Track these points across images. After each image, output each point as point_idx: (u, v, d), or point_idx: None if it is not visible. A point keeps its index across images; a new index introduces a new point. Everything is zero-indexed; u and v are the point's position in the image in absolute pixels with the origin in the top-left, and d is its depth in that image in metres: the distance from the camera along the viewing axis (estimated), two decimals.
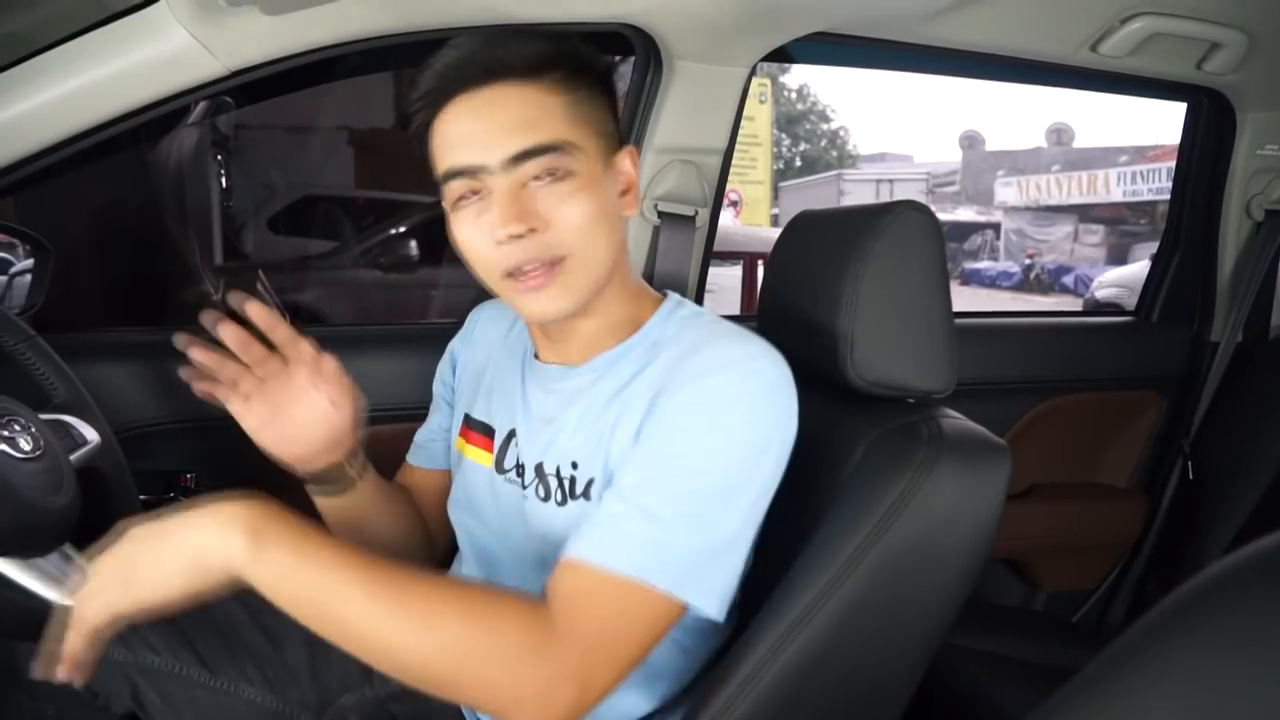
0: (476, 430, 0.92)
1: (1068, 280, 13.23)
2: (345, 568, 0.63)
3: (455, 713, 0.92)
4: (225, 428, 1.32)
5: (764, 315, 1.03)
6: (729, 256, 4.95)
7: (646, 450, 0.71)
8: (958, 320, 0.90)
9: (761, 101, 10.32)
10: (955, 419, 0.84)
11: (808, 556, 0.77)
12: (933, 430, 0.79)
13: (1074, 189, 18.32)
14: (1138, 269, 8.64)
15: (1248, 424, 1.61)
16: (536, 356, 0.88)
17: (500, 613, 0.65)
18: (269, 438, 0.86)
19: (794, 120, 31.34)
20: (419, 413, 1.09)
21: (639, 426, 0.74)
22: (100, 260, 2.19)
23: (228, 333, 0.81)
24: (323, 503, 0.93)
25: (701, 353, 0.74)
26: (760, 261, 4.21)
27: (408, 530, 1.00)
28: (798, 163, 31.22)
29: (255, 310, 0.81)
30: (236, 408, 0.85)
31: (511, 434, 0.87)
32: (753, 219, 10.17)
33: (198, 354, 0.81)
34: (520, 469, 0.85)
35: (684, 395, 0.72)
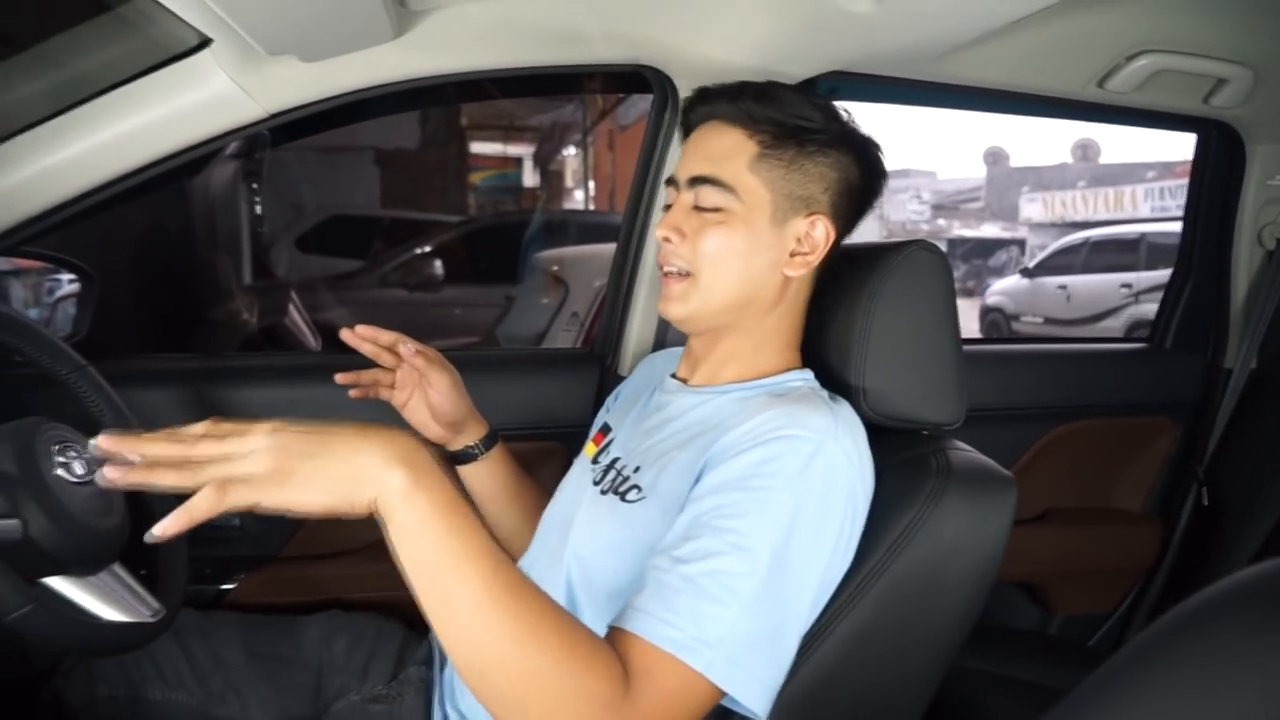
0: (602, 431, 1.01)
1: None
2: (478, 551, 0.62)
3: (426, 713, 0.95)
4: None
5: None
6: None
7: (702, 516, 0.73)
8: (970, 347, 0.93)
9: None
10: (964, 451, 0.87)
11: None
12: (941, 462, 0.82)
13: (1100, 205, 18.17)
14: (1013, 280, 10.20)
15: (1262, 450, 1.62)
16: (675, 375, 0.97)
17: (593, 659, 0.64)
18: (418, 420, 1.03)
19: None
20: (529, 431, 1.21)
21: (699, 472, 0.78)
22: (135, 283, 2.26)
23: (364, 346, 1.00)
24: (461, 472, 1.08)
25: (770, 415, 0.77)
26: None
27: (533, 515, 1.06)
28: None
29: (362, 330, 0.99)
30: (386, 396, 1.03)
31: (615, 437, 0.96)
32: None
33: (346, 378, 1.01)
34: (608, 464, 0.92)
35: (741, 461, 0.74)
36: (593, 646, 0.65)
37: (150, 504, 1.09)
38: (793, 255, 0.87)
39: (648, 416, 0.94)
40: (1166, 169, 17.09)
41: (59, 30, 1.30)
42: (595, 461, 0.95)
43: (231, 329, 2.61)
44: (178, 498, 1.18)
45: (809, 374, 0.90)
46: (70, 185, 1.19)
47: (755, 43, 1.19)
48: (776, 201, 0.86)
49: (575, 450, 1.05)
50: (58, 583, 0.87)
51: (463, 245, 5.81)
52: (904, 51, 1.26)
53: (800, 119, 0.86)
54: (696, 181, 0.87)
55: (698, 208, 0.87)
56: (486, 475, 1.08)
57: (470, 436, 1.07)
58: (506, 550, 1.06)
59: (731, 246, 0.85)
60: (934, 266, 0.90)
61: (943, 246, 0.94)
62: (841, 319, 0.91)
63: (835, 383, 0.90)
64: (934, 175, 28.05)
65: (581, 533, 0.87)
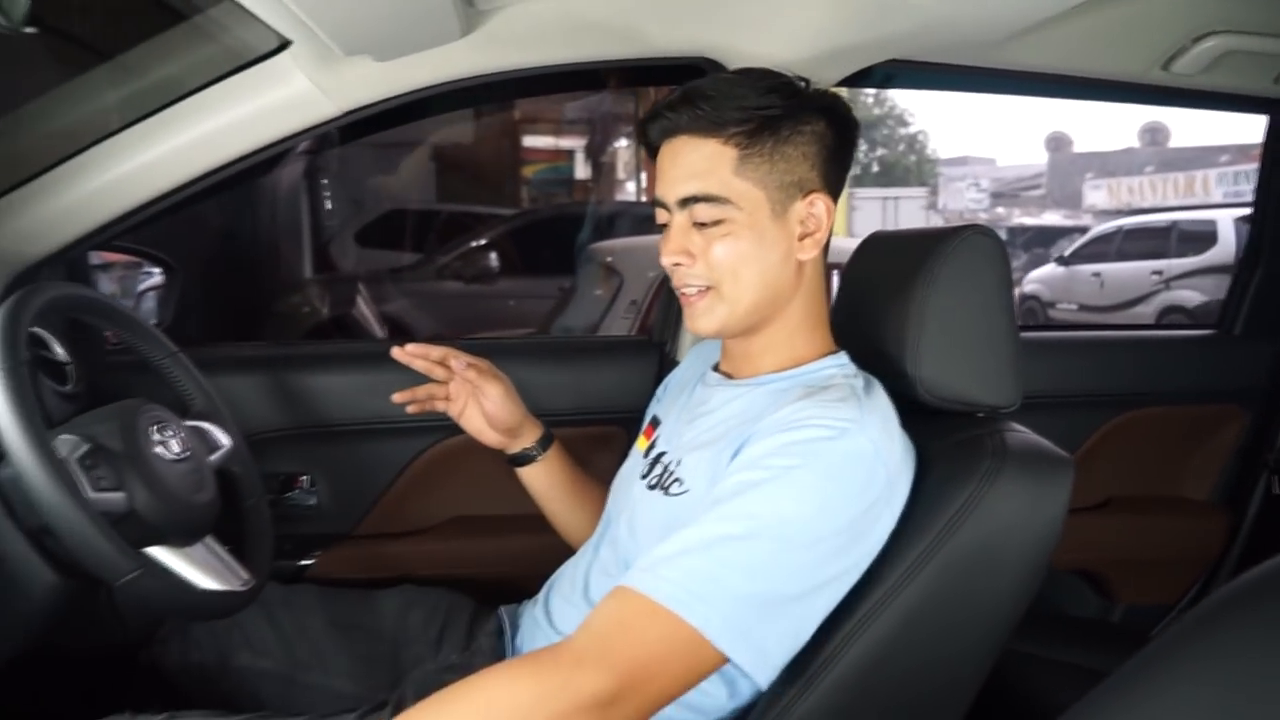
0: (652, 424, 1.04)
1: None
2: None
3: None
4: (335, 434, 1.45)
5: (836, 329, 1.08)
6: None
7: (718, 492, 0.77)
8: (1034, 335, 0.94)
9: None
10: (1020, 432, 0.88)
11: (874, 558, 0.81)
12: (997, 443, 0.83)
13: (1170, 191, 17.55)
14: (1049, 269, 10.37)
15: None
16: (716, 367, 0.99)
17: (499, 688, 0.67)
18: (474, 427, 1.10)
19: (870, 126, 30.77)
20: (584, 417, 1.24)
21: (729, 462, 0.80)
22: (213, 276, 2.37)
23: (416, 363, 1.07)
24: (520, 474, 1.15)
25: (805, 403, 0.79)
26: (836, 271, 4.21)
27: (592, 508, 1.11)
28: (875, 169, 30.70)
29: (412, 348, 1.07)
30: (442, 408, 1.10)
31: (663, 429, 0.99)
32: None
33: (402, 396, 1.08)
34: (655, 458, 0.94)
35: (764, 444, 0.77)
36: (496, 680, 0.68)
37: (238, 486, 1.16)
38: (801, 239, 0.89)
39: (692, 409, 0.96)
40: (1242, 152, 16.42)
41: (145, 39, 1.39)
42: (646, 456, 0.98)
43: (297, 320, 2.71)
44: (266, 477, 1.25)
45: (844, 358, 0.92)
46: (159, 182, 1.26)
47: (812, 33, 1.21)
48: (771, 196, 0.86)
49: (634, 435, 1.08)
50: (158, 552, 0.94)
51: (518, 238, 5.89)
52: (961, 38, 1.26)
53: (764, 109, 0.85)
54: (688, 202, 0.86)
55: (697, 224, 0.87)
56: (544, 475, 1.13)
57: (527, 439, 1.12)
58: (569, 543, 1.11)
59: (743, 253, 0.86)
60: (989, 250, 0.91)
61: (1002, 235, 0.94)
62: (896, 303, 0.92)
63: (888, 366, 0.92)
64: (993, 162, 27.44)
65: (622, 528, 0.91)
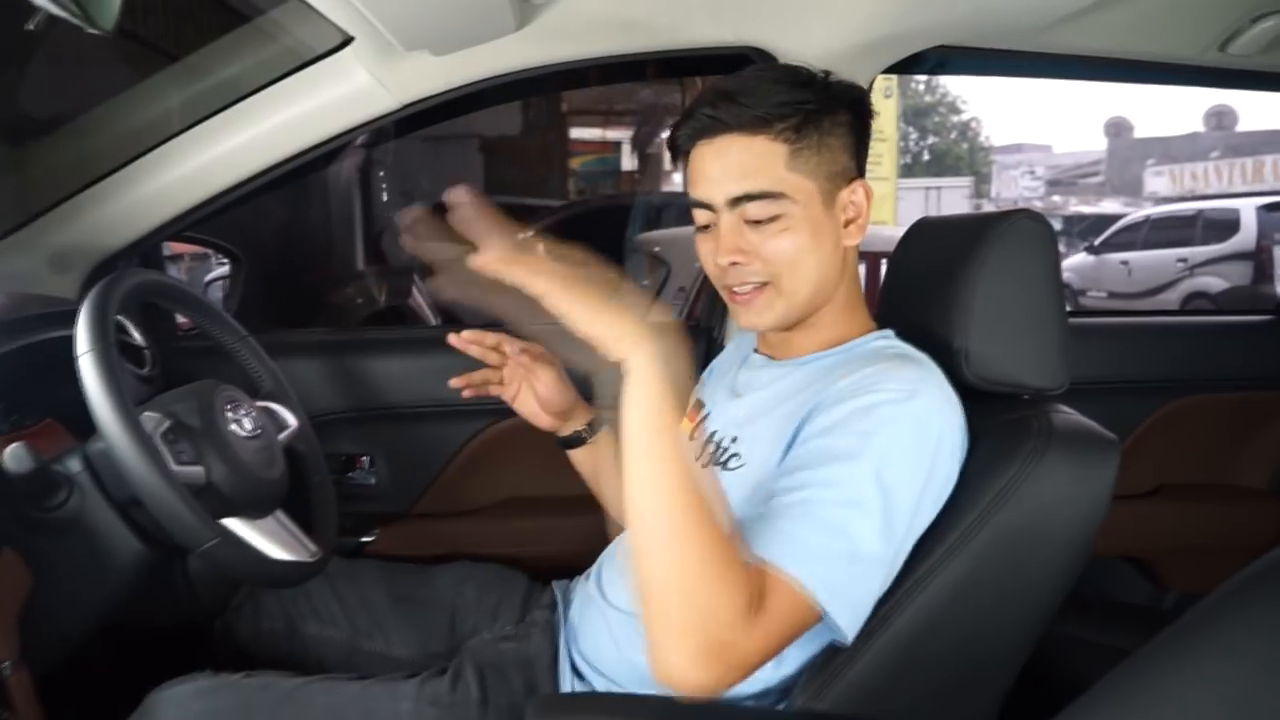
0: (695, 408, 1.06)
1: None
2: (678, 446, 0.72)
3: (552, 653, 1.03)
4: (394, 417, 1.50)
5: (883, 316, 1.10)
6: None
7: (798, 460, 0.79)
8: (1085, 320, 0.94)
9: (886, 96, 10.12)
10: (1066, 413, 0.88)
11: (922, 533, 0.83)
12: (1043, 424, 0.84)
13: (1236, 177, 16.95)
14: (1080, 257, 10.51)
15: None
16: (757, 350, 1.01)
17: (742, 568, 0.71)
18: (528, 410, 1.13)
19: (921, 113, 30.28)
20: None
21: (794, 432, 0.83)
22: (275, 267, 2.45)
23: (471, 349, 1.10)
24: (571, 455, 1.18)
25: (868, 371, 0.82)
26: (884, 260, 4.18)
27: None
28: (925, 157, 30.17)
29: (467, 335, 1.10)
30: (496, 392, 1.12)
31: (710, 413, 1.00)
32: (877, 217, 10.00)
33: (459, 381, 1.11)
34: (703, 440, 0.97)
35: (835, 411, 0.80)
36: (741, 556, 0.72)
37: (304, 464, 1.21)
38: (845, 225, 0.90)
39: (739, 390, 0.98)
40: None
41: (211, 39, 1.45)
42: (692, 438, 1.00)
43: (355, 309, 2.79)
44: (329, 457, 1.30)
45: (889, 334, 0.94)
46: (228, 176, 1.32)
47: (861, 21, 1.22)
48: (821, 187, 0.88)
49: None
50: (233, 523, 0.99)
51: (566, 229, 5.94)
52: (1011, 23, 1.25)
53: (804, 103, 0.86)
54: (740, 200, 0.86)
55: (750, 221, 0.87)
56: (594, 456, 1.17)
57: (578, 422, 1.16)
58: (618, 521, 1.15)
59: (801, 246, 0.87)
60: (1037, 235, 0.91)
61: (1057, 225, 0.94)
62: (944, 287, 0.93)
63: (936, 348, 0.93)
64: (1049, 149, 26.83)
65: None
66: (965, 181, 24.55)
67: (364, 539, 1.46)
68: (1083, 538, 0.84)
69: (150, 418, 0.97)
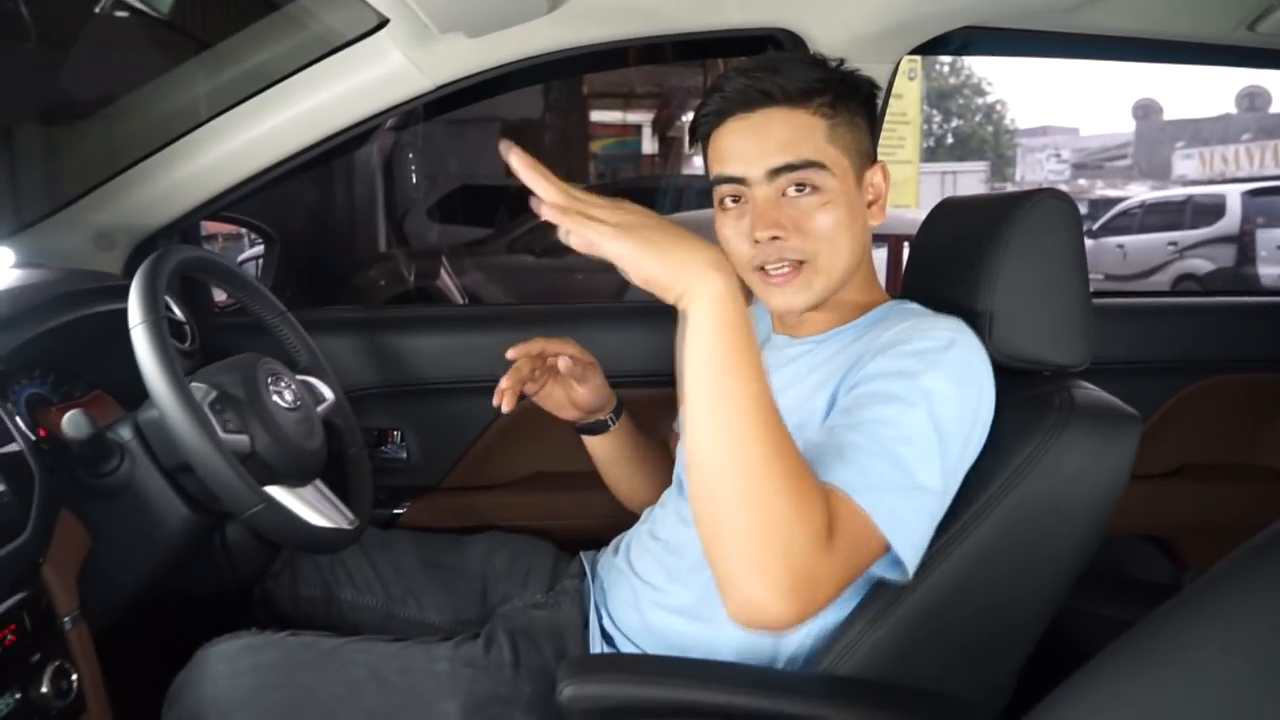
0: None
1: None
2: (754, 370, 0.70)
3: (581, 620, 1.06)
4: (424, 393, 1.54)
5: (908, 295, 1.11)
6: (874, 239, 4.93)
7: (850, 404, 0.81)
8: (1108, 301, 0.94)
9: (910, 78, 10.03)
10: (1087, 389, 0.90)
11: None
12: (1064, 399, 0.86)
13: (1268, 159, 16.64)
14: None
15: None
16: (775, 331, 1.03)
17: (816, 494, 0.70)
18: (552, 404, 1.15)
19: (946, 95, 29.90)
20: (651, 379, 1.29)
21: (833, 392, 0.85)
22: (305, 247, 2.49)
23: (524, 369, 1.07)
24: (587, 441, 1.20)
25: (902, 326, 0.85)
26: (907, 243, 4.18)
27: (649, 471, 1.20)
28: (949, 140, 29.81)
29: (512, 353, 1.06)
30: (532, 390, 1.12)
31: None
32: (899, 200, 9.93)
33: (508, 391, 1.05)
34: None
35: (889, 356, 0.82)
36: (816, 484, 0.72)
37: (340, 436, 1.25)
38: (869, 206, 0.93)
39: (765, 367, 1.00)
40: None
41: (248, 24, 1.48)
42: None
43: (384, 289, 2.83)
44: (364, 431, 1.34)
45: (905, 301, 0.96)
46: (265, 157, 1.36)
47: (889, 1, 1.23)
48: (854, 164, 0.90)
49: None
50: (276, 491, 1.03)
51: None
52: (1038, 2, 1.26)
53: (834, 83, 0.88)
54: (781, 171, 0.86)
55: (792, 191, 0.88)
56: (613, 444, 1.19)
57: (603, 412, 1.18)
58: (629, 507, 1.17)
59: (840, 221, 0.88)
60: (1063, 214, 0.92)
61: (1083, 209, 0.95)
62: (969, 264, 0.94)
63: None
64: (1076, 132, 26.43)
65: None
66: (981, 166, 24.43)
67: (395, 511, 1.50)
68: (1102, 511, 0.85)
69: (198, 388, 1.00)
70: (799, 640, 0.89)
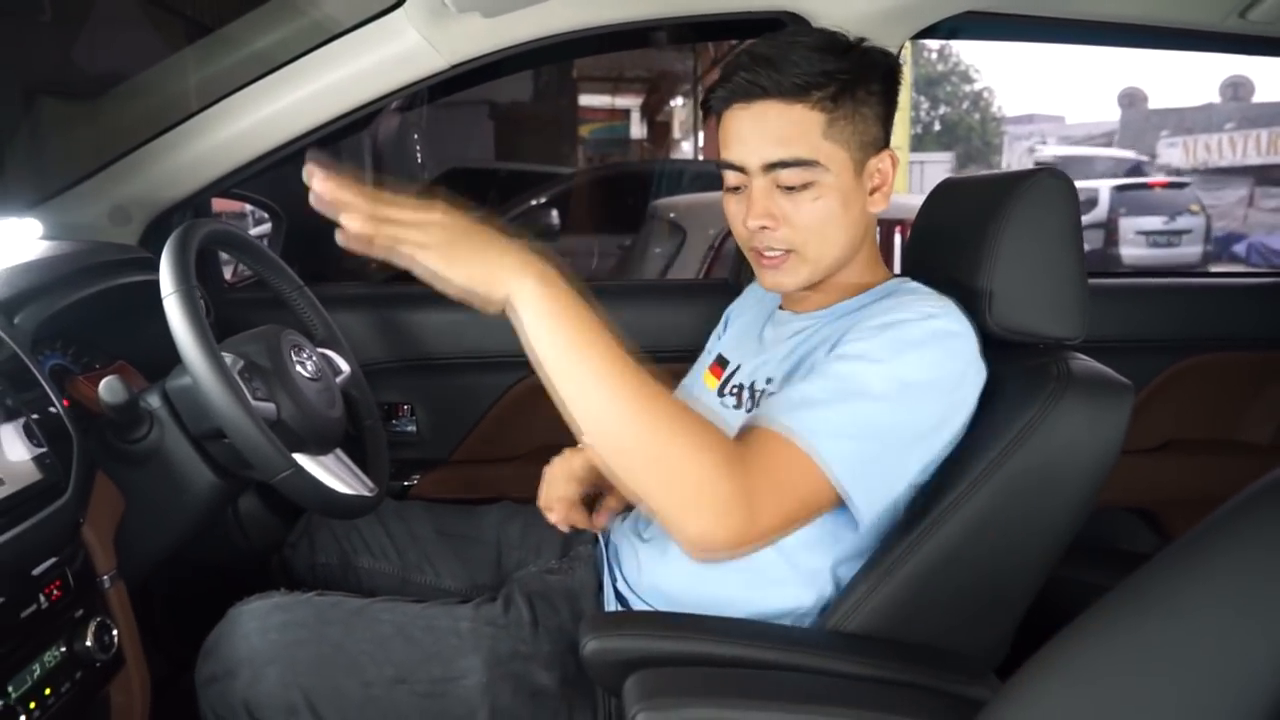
0: (718, 364, 1.10)
1: (1239, 249, 12.25)
2: (604, 346, 0.72)
3: (596, 584, 1.10)
4: (434, 367, 1.57)
5: (908, 271, 1.15)
6: None
7: (822, 365, 0.85)
8: (1101, 281, 0.97)
9: (901, 64, 10.06)
10: (1083, 360, 0.93)
11: (943, 470, 0.89)
12: (1061, 369, 0.89)
13: (1251, 149, 16.77)
14: None
15: None
16: (781, 307, 1.06)
17: (710, 431, 0.74)
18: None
19: (934, 82, 29.89)
20: (678, 354, 1.31)
21: (817, 358, 0.88)
22: (310, 226, 2.49)
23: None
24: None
25: (888, 301, 0.89)
26: (897, 229, 4.21)
27: None
28: (936, 127, 29.84)
29: None
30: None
31: (739, 367, 1.04)
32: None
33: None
34: (736, 390, 1.01)
35: (864, 327, 0.86)
36: (709, 425, 0.75)
37: (356, 408, 1.28)
38: (871, 193, 0.95)
39: (766, 343, 1.03)
40: None
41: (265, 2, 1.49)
42: (722, 394, 1.04)
43: (382, 269, 2.82)
44: (379, 404, 1.36)
45: (909, 280, 0.99)
46: (279, 134, 1.37)
47: None
48: (854, 156, 0.91)
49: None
50: (301, 458, 1.06)
51: (578, 196, 5.96)
52: None
53: (841, 73, 0.87)
54: (775, 166, 0.88)
55: (784, 187, 0.89)
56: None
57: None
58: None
59: (831, 214, 0.90)
60: (1060, 192, 0.96)
61: None
62: (969, 242, 0.98)
63: (960, 296, 0.98)
64: (1061, 120, 26.50)
65: None
66: (946, 156, 25.03)
67: (405, 483, 1.53)
68: (1095, 478, 0.88)
69: (226, 357, 1.03)
70: (807, 599, 0.92)
